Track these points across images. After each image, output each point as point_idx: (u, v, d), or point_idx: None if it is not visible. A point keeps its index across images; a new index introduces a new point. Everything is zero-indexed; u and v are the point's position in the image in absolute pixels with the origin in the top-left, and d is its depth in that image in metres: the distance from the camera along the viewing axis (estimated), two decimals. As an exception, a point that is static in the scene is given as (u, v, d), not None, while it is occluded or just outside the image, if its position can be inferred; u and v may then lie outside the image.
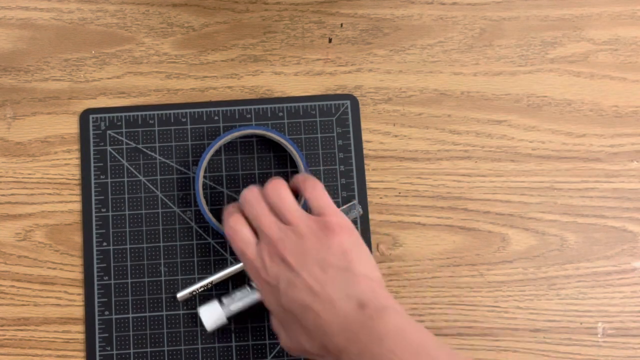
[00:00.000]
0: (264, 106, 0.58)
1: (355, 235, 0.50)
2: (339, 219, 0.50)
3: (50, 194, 0.57)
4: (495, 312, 0.56)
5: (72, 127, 0.58)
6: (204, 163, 0.56)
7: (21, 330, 0.55)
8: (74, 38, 0.59)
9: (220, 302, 0.53)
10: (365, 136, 0.58)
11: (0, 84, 0.58)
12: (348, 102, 0.59)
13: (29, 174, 0.57)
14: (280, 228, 0.50)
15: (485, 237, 0.57)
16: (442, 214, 0.58)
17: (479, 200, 0.58)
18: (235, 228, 0.51)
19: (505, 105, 0.59)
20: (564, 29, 0.61)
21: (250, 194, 0.51)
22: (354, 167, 0.58)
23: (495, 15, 0.61)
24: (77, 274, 0.56)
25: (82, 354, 0.55)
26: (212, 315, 0.53)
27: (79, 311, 0.55)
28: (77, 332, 0.55)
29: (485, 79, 0.60)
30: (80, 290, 0.55)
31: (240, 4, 0.60)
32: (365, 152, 0.58)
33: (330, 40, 0.60)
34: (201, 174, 0.56)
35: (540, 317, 0.56)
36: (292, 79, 0.59)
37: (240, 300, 0.53)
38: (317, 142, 0.58)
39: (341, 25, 0.60)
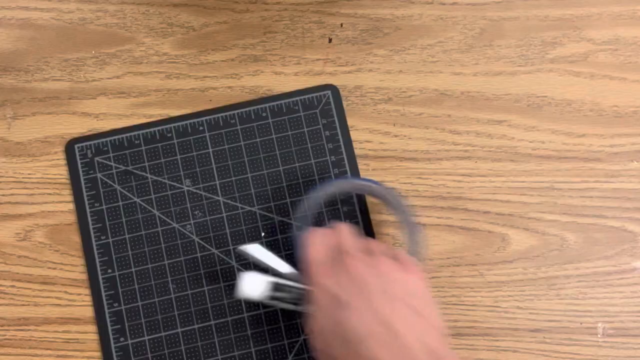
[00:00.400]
0: (247, 109, 0.58)
1: (426, 281, 0.50)
2: (413, 263, 0.50)
3: (50, 194, 0.57)
4: (495, 312, 0.56)
5: (71, 127, 0.58)
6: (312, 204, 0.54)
7: (21, 330, 0.55)
8: (74, 38, 0.59)
9: (272, 283, 0.51)
10: (365, 136, 0.58)
11: (0, 84, 0.58)
12: (329, 92, 0.59)
13: (29, 174, 0.57)
14: (362, 250, 0.50)
15: (485, 237, 0.57)
16: (442, 214, 0.58)
17: (479, 200, 0.58)
18: (318, 233, 0.51)
19: (505, 105, 0.59)
20: (564, 29, 0.61)
21: (345, 224, 0.52)
22: (344, 156, 0.58)
23: (495, 15, 0.61)
24: (77, 274, 0.56)
25: (82, 354, 0.55)
26: (252, 287, 0.51)
27: (79, 311, 0.55)
28: (77, 332, 0.55)
29: (485, 79, 0.60)
30: (80, 290, 0.55)
31: (240, 4, 0.60)
32: (365, 152, 0.58)
33: (330, 40, 0.60)
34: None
35: (540, 317, 0.56)
36: (292, 79, 0.59)
37: (287, 296, 0.51)
38: (305, 137, 0.58)
39: (341, 25, 0.60)
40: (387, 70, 0.60)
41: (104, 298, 0.55)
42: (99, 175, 0.57)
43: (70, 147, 0.57)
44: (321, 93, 0.59)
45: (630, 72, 0.60)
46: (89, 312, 0.55)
